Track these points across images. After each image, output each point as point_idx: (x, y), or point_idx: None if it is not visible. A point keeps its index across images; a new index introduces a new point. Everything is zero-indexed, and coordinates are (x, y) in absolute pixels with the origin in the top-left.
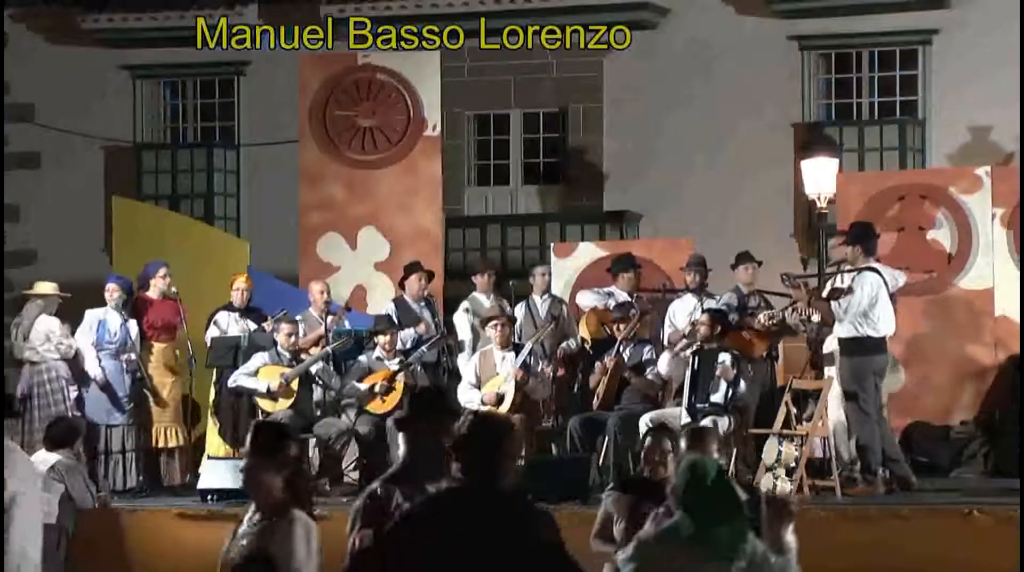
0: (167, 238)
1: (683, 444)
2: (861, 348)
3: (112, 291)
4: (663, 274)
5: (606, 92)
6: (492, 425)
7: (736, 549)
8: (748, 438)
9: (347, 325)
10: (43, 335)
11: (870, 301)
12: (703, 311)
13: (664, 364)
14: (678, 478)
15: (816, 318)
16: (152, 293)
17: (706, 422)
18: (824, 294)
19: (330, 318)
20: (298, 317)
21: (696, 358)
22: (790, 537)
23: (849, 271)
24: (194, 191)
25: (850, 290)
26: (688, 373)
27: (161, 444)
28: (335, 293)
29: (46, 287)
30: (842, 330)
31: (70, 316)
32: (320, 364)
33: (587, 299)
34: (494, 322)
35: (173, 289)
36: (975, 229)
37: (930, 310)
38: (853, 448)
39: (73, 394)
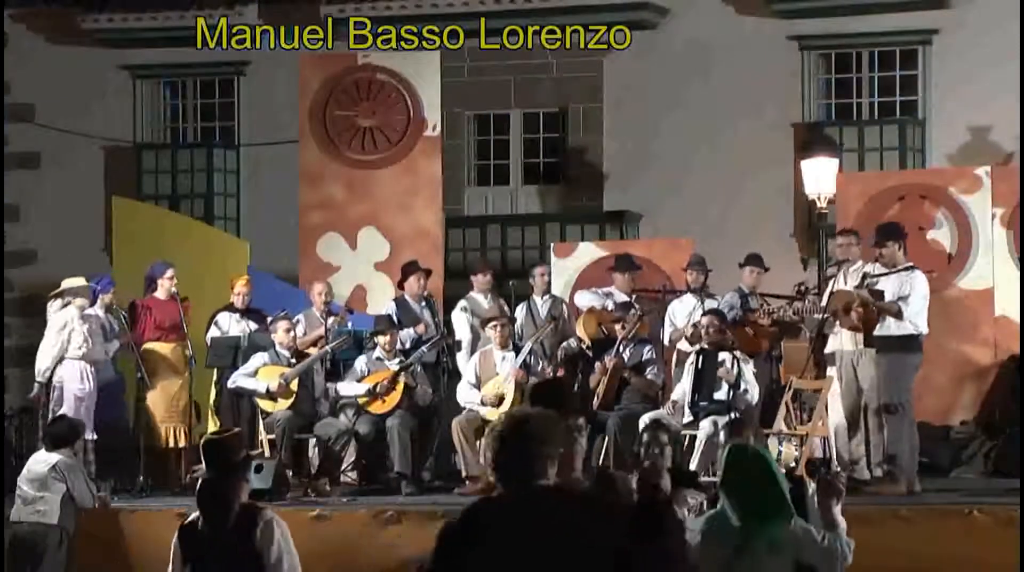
0: (167, 238)
1: (722, 437)
2: (906, 345)
3: (108, 299)
4: (663, 274)
5: (606, 92)
6: (523, 424)
7: (774, 525)
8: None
9: (350, 325)
10: (54, 332)
11: (924, 299)
12: (704, 313)
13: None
14: (723, 465)
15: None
16: (159, 294)
17: (707, 422)
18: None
19: (331, 318)
20: (299, 316)
21: (700, 357)
22: (840, 516)
23: (902, 269)
24: (194, 191)
25: (902, 289)
26: (692, 372)
27: (171, 444)
28: (335, 293)
29: (66, 283)
30: (892, 328)
31: None
32: (318, 365)
33: (585, 299)
34: (494, 323)
35: (174, 289)
36: (975, 229)
37: (930, 310)
38: (854, 448)
39: (81, 393)
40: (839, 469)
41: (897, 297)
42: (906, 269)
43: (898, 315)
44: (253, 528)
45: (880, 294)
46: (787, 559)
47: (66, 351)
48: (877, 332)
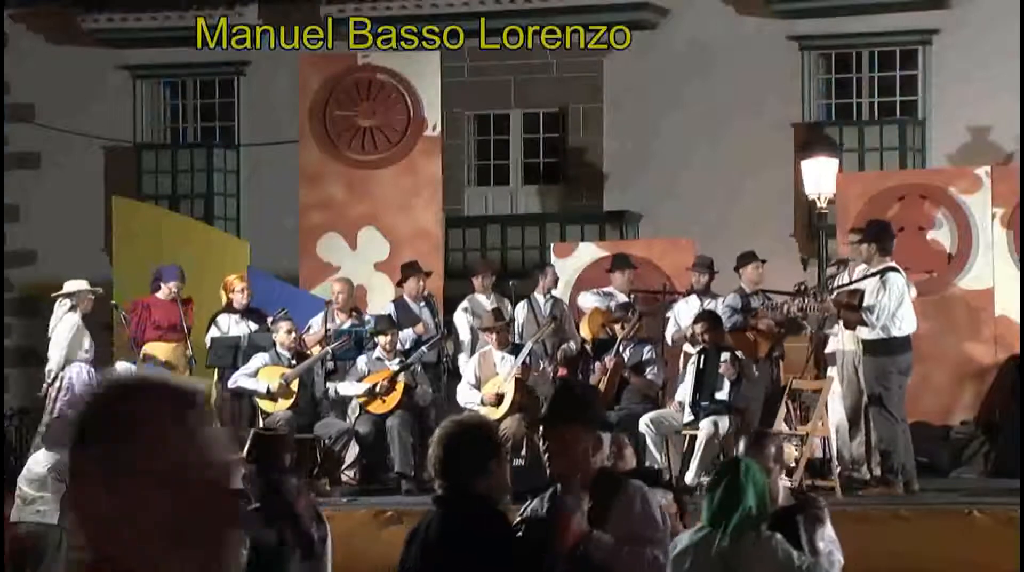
0: (167, 238)
1: (742, 446)
2: (886, 348)
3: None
4: (663, 274)
5: (606, 92)
6: (456, 432)
7: (736, 536)
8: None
9: (371, 323)
10: (61, 336)
11: (898, 302)
12: (695, 319)
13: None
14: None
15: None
16: (160, 294)
17: (707, 422)
18: (833, 297)
19: (343, 315)
20: (318, 317)
21: (702, 357)
22: (821, 543)
23: (872, 275)
24: (194, 191)
25: (877, 293)
26: (693, 372)
27: None
28: (336, 293)
29: (71, 286)
30: (868, 332)
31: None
32: (318, 366)
33: (588, 301)
34: (490, 329)
35: (175, 292)
36: (975, 229)
37: (930, 310)
38: (855, 448)
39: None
40: (839, 470)
41: (862, 301)
42: (878, 272)
43: (852, 322)
44: (320, 525)
45: (859, 295)
46: None
47: (74, 354)
48: (861, 336)
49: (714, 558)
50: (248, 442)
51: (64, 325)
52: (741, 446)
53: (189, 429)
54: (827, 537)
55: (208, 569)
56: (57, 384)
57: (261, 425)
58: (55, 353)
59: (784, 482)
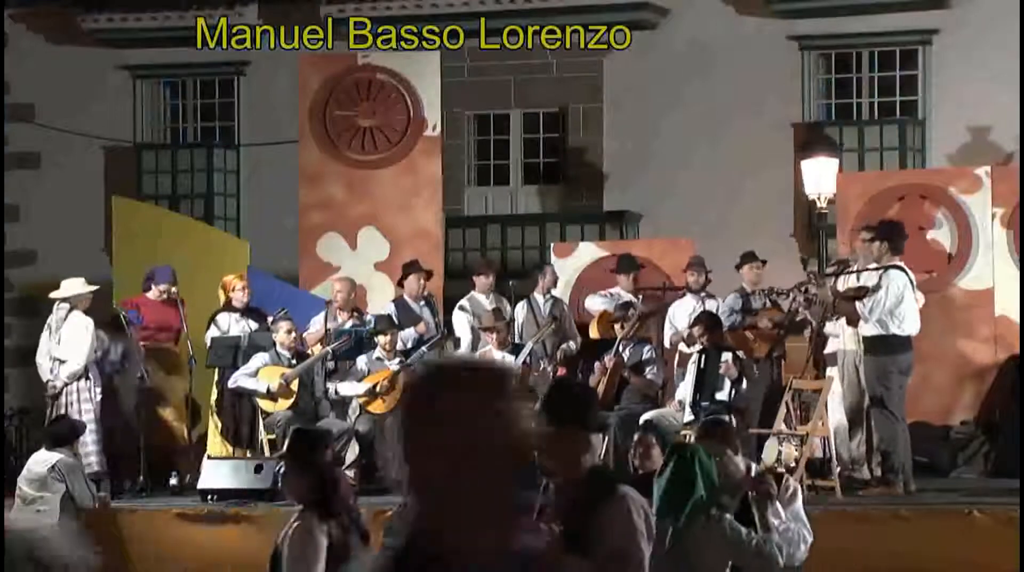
0: (167, 238)
1: (693, 435)
2: (886, 347)
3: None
4: (663, 274)
5: (606, 92)
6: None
7: (688, 521)
8: (748, 438)
9: (372, 322)
10: (81, 337)
11: (896, 299)
12: (694, 321)
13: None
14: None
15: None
16: (150, 295)
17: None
18: (842, 291)
19: (344, 314)
20: (319, 316)
21: (702, 357)
22: (776, 520)
23: (876, 269)
24: (194, 191)
25: (876, 288)
26: (694, 372)
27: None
28: (335, 292)
29: (66, 284)
30: (867, 329)
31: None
32: (318, 366)
33: (596, 303)
34: (489, 329)
35: (173, 289)
36: (975, 229)
37: (930, 310)
38: (855, 448)
39: (97, 395)
40: (839, 470)
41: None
42: (882, 268)
43: (848, 313)
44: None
45: (862, 291)
46: (705, 556)
47: (92, 354)
48: (862, 333)
49: (667, 546)
50: (289, 440)
51: (81, 328)
52: (692, 436)
53: (496, 408)
54: (790, 514)
55: (506, 533)
56: (77, 384)
57: (263, 425)
58: (77, 355)
59: (741, 462)
